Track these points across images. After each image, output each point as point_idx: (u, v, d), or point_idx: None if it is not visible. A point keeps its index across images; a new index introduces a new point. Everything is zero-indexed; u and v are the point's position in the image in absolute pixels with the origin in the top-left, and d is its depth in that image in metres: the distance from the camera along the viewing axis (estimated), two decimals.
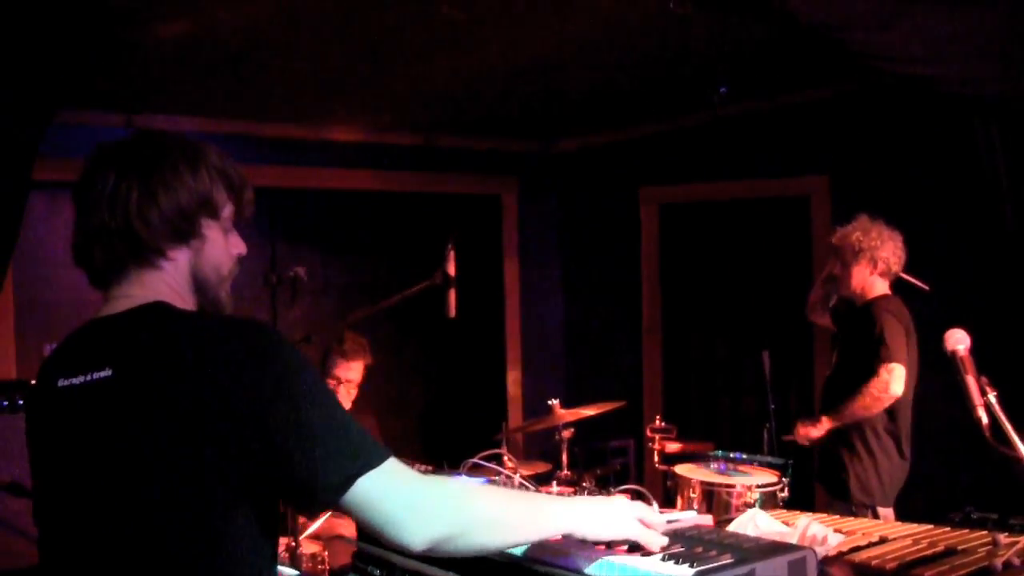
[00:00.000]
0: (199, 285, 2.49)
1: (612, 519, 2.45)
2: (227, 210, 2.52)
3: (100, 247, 2.37)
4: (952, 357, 3.84)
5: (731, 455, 6.11)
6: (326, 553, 5.25)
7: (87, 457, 2.24)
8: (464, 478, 3.41)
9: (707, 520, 2.97)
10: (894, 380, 5.44)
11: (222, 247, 2.52)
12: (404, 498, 2.18)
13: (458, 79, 6.61)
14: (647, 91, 7.27)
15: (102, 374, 2.25)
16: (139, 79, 6.20)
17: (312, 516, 5.02)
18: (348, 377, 6.17)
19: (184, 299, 2.45)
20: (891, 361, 5.45)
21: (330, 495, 2.14)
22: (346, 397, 6.18)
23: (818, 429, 5.70)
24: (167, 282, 2.42)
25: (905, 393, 5.54)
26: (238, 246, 2.58)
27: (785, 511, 4.94)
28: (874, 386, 5.47)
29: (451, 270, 4.78)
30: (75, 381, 2.29)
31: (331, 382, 6.11)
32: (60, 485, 2.33)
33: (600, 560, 2.48)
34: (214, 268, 2.50)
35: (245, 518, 2.18)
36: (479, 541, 2.28)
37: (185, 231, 2.41)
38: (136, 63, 5.78)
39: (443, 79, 6.57)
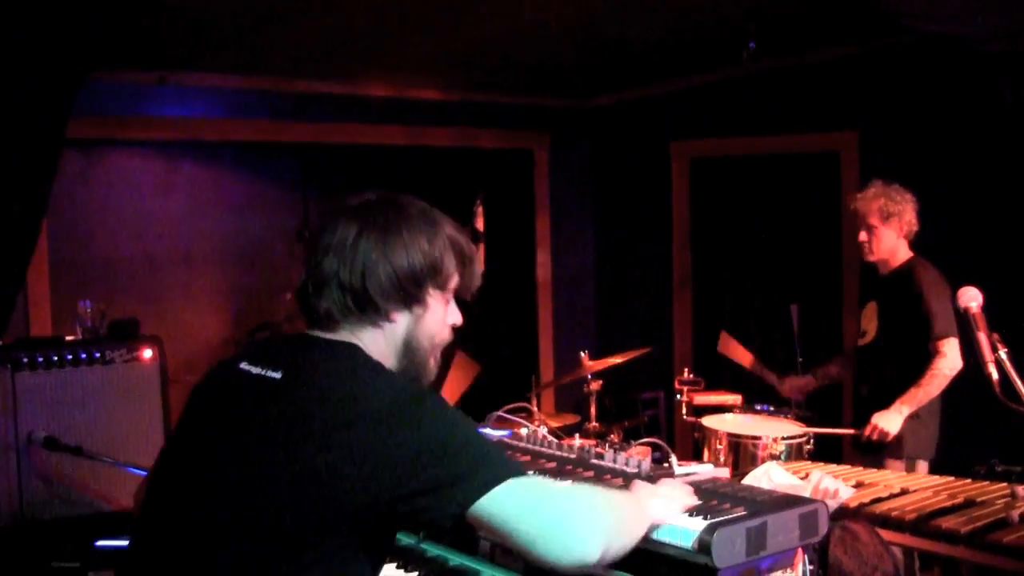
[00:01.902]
0: (410, 350, 2.53)
1: (674, 504, 2.55)
2: (454, 281, 2.58)
3: (328, 296, 2.44)
4: (964, 314, 3.87)
5: (758, 407, 6.16)
6: None
7: (225, 438, 2.36)
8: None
9: (724, 473, 3.03)
10: (957, 354, 5.38)
11: (442, 316, 2.58)
12: (540, 517, 2.20)
13: (490, 35, 6.61)
14: (678, 47, 7.26)
15: (274, 374, 2.37)
16: (171, 37, 6.23)
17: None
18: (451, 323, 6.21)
19: (389, 359, 2.50)
20: (947, 336, 5.39)
21: (451, 523, 2.22)
22: None
23: (898, 421, 5.45)
24: (379, 341, 2.49)
25: None
26: (455, 317, 2.63)
27: (809, 463, 4.99)
28: (944, 366, 5.39)
29: (480, 225, 4.82)
30: (253, 370, 2.42)
31: None
32: (192, 449, 2.45)
33: None
34: (429, 336, 2.55)
35: (346, 547, 2.25)
36: (618, 550, 2.31)
37: (412, 296, 2.48)
38: (168, 21, 5.80)
39: (475, 35, 6.57)
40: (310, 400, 2.26)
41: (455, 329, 2.63)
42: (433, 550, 3.03)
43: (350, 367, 2.36)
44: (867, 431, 5.51)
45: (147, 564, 2.43)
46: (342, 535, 2.22)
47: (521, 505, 2.19)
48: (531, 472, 2.50)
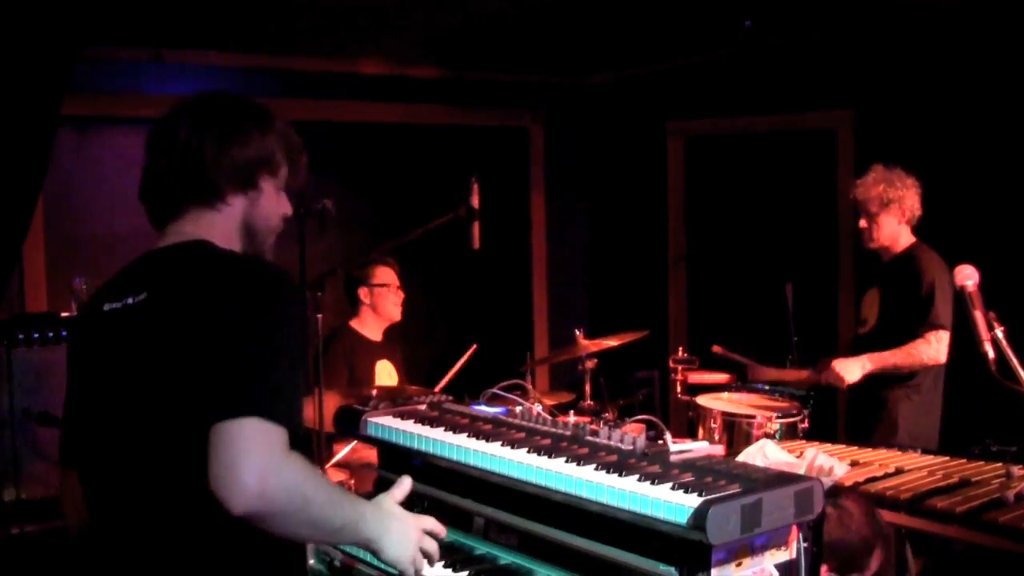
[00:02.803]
0: (249, 232, 2.71)
1: (402, 540, 2.54)
2: (283, 171, 2.76)
3: (166, 186, 2.62)
4: (961, 292, 3.88)
5: (754, 386, 6.15)
6: (352, 482, 5.31)
7: (118, 375, 2.46)
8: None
9: (718, 450, 3.04)
10: (943, 348, 5.38)
11: (274, 202, 2.75)
12: (253, 462, 2.19)
13: (485, 12, 6.60)
14: (674, 24, 7.25)
15: (140, 297, 2.48)
16: (167, 13, 6.22)
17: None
18: (386, 280, 6.21)
19: (231, 243, 2.65)
20: (940, 328, 5.38)
21: (211, 415, 2.23)
22: (395, 304, 6.24)
23: (856, 372, 5.48)
24: (219, 224, 2.64)
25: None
26: (286, 207, 2.81)
27: (804, 442, 5.00)
28: (923, 352, 5.39)
29: (475, 203, 4.81)
30: (116, 305, 2.52)
31: (381, 291, 6.17)
32: (93, 405, 2.55)
33: (607, 486, 2.55)
34: (264, 219, 2.73)
35: None
36: (291, 530, 2.33)
37: (246, 181, 2.65)
38: None
39: (471, 11, 6.56)
40: (180, 314, 2.37)
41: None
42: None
43: (209, 266, 2.48)
44: (824, 373, 5.57)
45: (101, 518, 2.56)
46: None
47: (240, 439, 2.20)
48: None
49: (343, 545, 3.12)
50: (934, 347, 5.38)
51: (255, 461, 2.17)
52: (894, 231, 5.67)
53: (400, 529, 2.54)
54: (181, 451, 2.30)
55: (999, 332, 3.66)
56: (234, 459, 2.17)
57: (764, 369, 6.27)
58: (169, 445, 2.35)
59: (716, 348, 6.48)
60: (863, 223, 5.70)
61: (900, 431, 5.52)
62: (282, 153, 2.74)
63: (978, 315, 3.74)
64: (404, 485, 2.68)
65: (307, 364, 2.42)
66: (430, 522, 2.64)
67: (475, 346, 6.43)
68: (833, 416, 6.53)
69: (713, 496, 2.39)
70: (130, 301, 2.48)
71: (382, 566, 2.82)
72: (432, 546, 2.60)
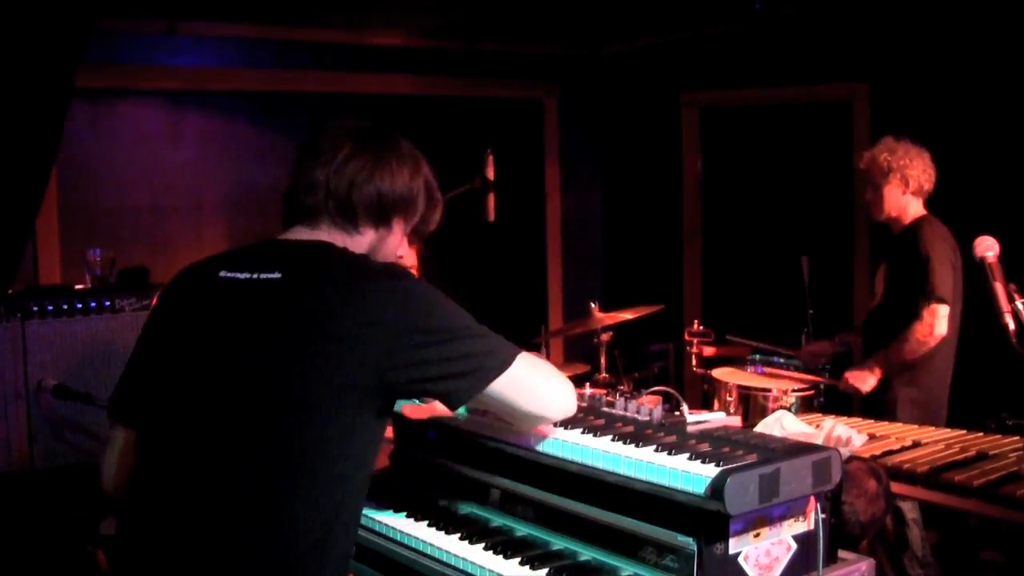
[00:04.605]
0: None
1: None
2: (417, 217, 2.83)
3: (310, 197, 2.67)
4: (981, 264, 3.84)
5: (770, 359, 6.14)
6: None
7: (232, 341, 2.48)
8: None
9: (735, 422, 3.02)
10: (938, 322, 5.25)
11: (396, 244, 2.81)
12: (529, 393, 2.60)
13: None
14: None
15: (271, 275, 2.52)
16: None
17: None
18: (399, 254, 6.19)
19: None
20: (935, 302, 5.25)
21: (460, 404, 2.56)
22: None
23: (870, 381, 5.44)
24: (346, 244, 2.68)
25: (951, 319, 5.35)
26: (404, 250, 2.88)
27: (821, 415, 4.99)
28: (919, 331, 5.28)
29: (490, 174, 4.80)
30: (239, 276, 2.55)
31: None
32: (186, 365, 2.52)
33: (624, 457, 2.54)
34: (383, 256, 2.77)
35: (365, 421, 2.44)
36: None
37: (381, 217, 2.71)
38: None
39: None
40: (323, 296, 2.43)
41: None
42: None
43: (346, 262, 2.58)
44: (841, 384, 5.53)
45: (163, 482, 2.47)
46: (360, 408, 2.41)
47: (520, 384, 2.57)
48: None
49: None
50: (927, 323, 5.26)
51: (543, 390, 2.63)
52: (899, 202, 5.56)
53: None
54: (283, 426, 2.36)
55: (1020, 304, 3.63)
56: (536, 400, 2.62)
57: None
58: (273, 419, 2.37)
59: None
60: (868, 194, 5.65)
61: (899, 415, 5.35)
62: (423, 200, 2.81)
63: (998, 287, 3.70)
64: None
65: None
66: None
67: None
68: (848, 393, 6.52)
69: (731, 466, 2.37)
70: (259, 276, 2.52)
71: None
72: None
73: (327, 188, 2.64)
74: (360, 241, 2.69)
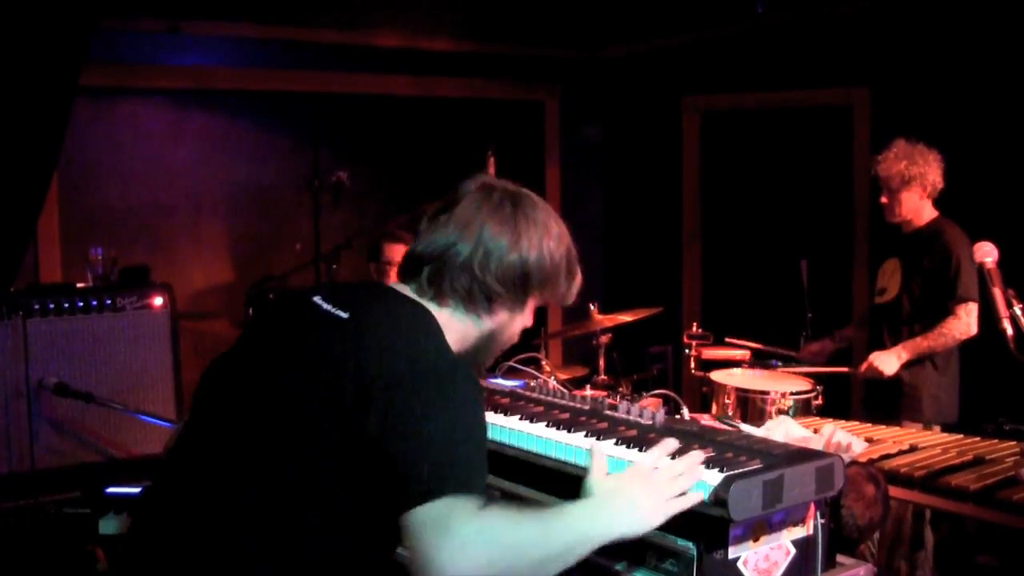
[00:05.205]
0: (486, 344, 2.57)
1: (643, 508, 2.31)
2: (551, 292, 2.59)
3: (448, 273, 2.45)
4: (980, 269, 3.86)
5: (768, 362, 6.15)
6: None
7: (279, 363, 2.41)
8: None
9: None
10: (973, 320, 5.37)
11: (523, 323, 2.60)
12: (452, 541, 2.04)
13: None
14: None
15: (342, 314, 2.40)
16: None
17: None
18: (395, 257, 6.18)
19: (456, 342, 2.47)
20: (969, 301, 5.36)
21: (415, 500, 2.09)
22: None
23: (895, 365, 5.50)
24: (460, 325, 2.49)
25: None
26: (528, 322, 2.62)
27: (819, 419, 5.00)
28: (955, 328, 5.38)
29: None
30: (325, 306, 2.44)
31: (389, 268, 6.15)
32: (245, 380, 2.46)
33: (628, 461, 2.54)
34: (510, 337, 2.60)
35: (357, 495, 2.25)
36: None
37: (518, 298, 2.51)
38: None
39: None
40: (366, 349, 2.27)
41: None
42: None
43: (412, 331, 2.35)
44: (863, 367, 5.56)
45: (186, 470, 2.44)
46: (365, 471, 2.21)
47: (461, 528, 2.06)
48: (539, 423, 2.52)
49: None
50: (964, 321, 5.37)
51: (451, 541, 2.02)
52: (916, 206, 5.63)
53: (627, 502, 2.31)
54: (300, 468, 2.24)
55: (1018, 309, 3.65)
56: (432, 545, 2.03)
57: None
58: (289, 460, 2.26)
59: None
60: (884, 199, 5.68)
61: (924, 407, 5.52)
62: (564, 274, 2.58)
63: (997, 292, 3.72)
64: (597, 456, 2.42)
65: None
66: (652, 456, 2.44)
67: None
68: (846, 393, 6.53)
69: (735, 471, 2.38)
70: (334, 311, 2.40)
71: None
72: (679, 466, 2.37)
73: (466, 266, 2.42)
74: (485, 324, 2.50)
